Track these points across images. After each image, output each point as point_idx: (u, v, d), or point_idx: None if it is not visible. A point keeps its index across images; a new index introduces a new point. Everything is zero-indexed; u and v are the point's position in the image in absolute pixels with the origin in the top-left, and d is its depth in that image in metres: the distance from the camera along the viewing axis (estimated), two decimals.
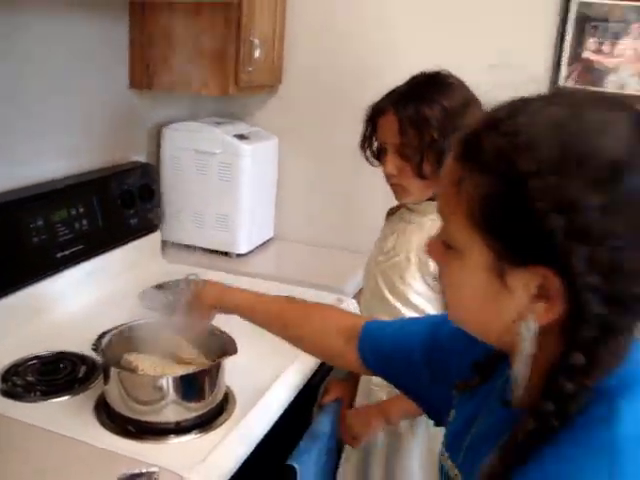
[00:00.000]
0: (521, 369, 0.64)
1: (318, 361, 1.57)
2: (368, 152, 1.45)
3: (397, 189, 1.43)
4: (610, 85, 2.02)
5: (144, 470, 1.14)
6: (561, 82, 2.06)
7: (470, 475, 0.74)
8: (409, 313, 1.40)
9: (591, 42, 2.01)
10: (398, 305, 1.42)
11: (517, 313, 0.63)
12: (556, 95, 0.67)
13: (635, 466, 0.58)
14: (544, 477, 0.61)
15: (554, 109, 0.63)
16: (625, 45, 1.98)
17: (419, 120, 1.32)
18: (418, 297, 1.39)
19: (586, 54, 2.02)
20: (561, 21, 2.02)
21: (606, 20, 1.98)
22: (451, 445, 0.82)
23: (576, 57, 2.03)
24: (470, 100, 1.36)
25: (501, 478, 0.62)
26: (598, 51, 2.02)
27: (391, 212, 1.56)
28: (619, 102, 0.65)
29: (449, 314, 0.75)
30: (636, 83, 2.00)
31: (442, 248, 0.70)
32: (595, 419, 0.61)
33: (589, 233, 0.58)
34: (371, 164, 1.47)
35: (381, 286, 1.46)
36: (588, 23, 2.00)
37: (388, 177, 1.42)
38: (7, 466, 1.15)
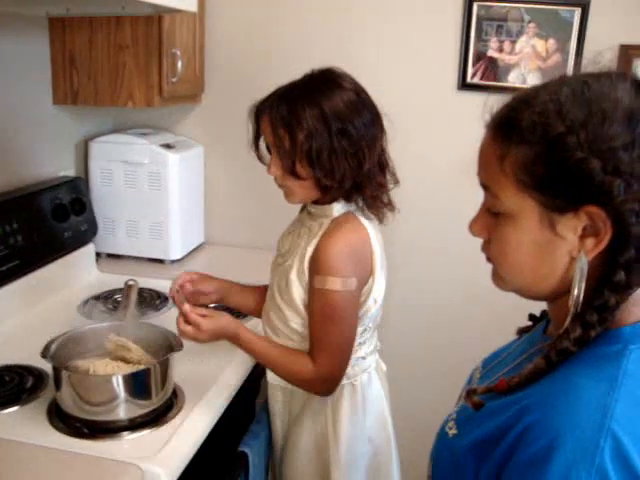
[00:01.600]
0: (576, 299, 0.76)
1: None
2: (259, 152, 1.43)
3: (284, 190, 1.41)
4: (513, 80, 2.18)
5: None
6: (468, 79, 2.21)
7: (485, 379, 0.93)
8: (292, 316, 1.43)
9: (493, 41, 2.17)
10: (283, 306, 1.44)
11: (570, 256, 0.77)
12: (565, 77, 0.81)
13: (628, 396, 0.70)
14: (564, 384, 0.75)
15: (568, 84, 0.77)
16: (523, 43, 2.15)
17: (291, 121, 1.29)
18: (301, 302, 1.41)
19: (489, 52, 2.18)
20: (465, 23, 2.17)
21: (505, 20, 2.15)
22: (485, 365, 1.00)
23: (480, 56, 2.19)
24: (358, 104, 1.33)
25: (542, 374, 0.78)
26: (500, 49, 2.18)
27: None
28: (614, 72, 0.79)
29: (502, 281, 0.86)
30: (535, 78, 2.17)
31: (490, 220, 0.83)
32: (609, 354, 0.75)
33: (620, 167, 0.72)
34: (264, 164, 1.43)
35: (274, 286, 1.49)
36: (489, 24, 2.15)
37: (274, 178, 1.40)
38: None
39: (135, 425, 1.34)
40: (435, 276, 2.38)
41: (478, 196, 0.87)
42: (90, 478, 1.16)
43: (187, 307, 1.37)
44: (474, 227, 0.87)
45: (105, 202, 2.21)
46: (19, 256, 1.78)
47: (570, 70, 2.18)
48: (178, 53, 2.06)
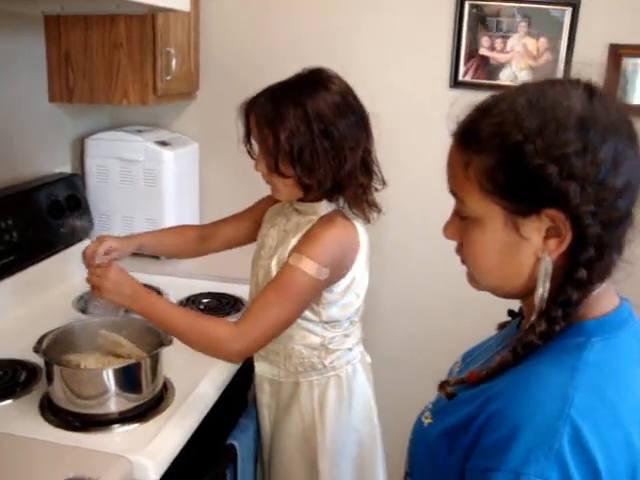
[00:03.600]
0: (541, 297, 0.80)
1: None
2: (251, 148, 1.45)
3: (271, 187, 1.45)
4: (504, 78, 2.20)
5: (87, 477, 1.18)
6: (460, 77, 2.23)
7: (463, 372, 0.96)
8: None
9: (485, 40, 2.19)
10: None
11: (535, 256, 0.80)
12: (523, 86, 0.84)
13: (587, 385, 0.74)
14: (527, 375, 0.79)
15: (524, 94, 0.80)
16: (514, 42, 2.17)
17: (275, 120, 1.32)
18: None
19: (481, 51, 2.20)
20: (457, 22, 2.19)
21: (497, 19, 2.17)
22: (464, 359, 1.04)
23: (472, 54, 2.21)
24: (342, 106, 1.35)
25: (509, 367, 0.81)
26: (492, 48, 2.20)
27: (271, 201, 1.60)
28: (569, 79, 0.83)
29: (476, 282, 0.89)
30: (526, 76, 2.19)
31: (461, 225, 0.86)
32: (572, 346, 0.79)
33: (575, 172, 0.75)
34: (254, 160, 1.46)
35: (258, 278, 1.52)
36: (481, 23, 2.17)
37: (262, 175, 1.43)
38: None
39: (125, 418, 1.38)
40: (427, 274, 2.41)
41: None
42: (80, 469, 1.19)
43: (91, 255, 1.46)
44: (447, 231, 0.90)
45: (101, 198, 2.24)
46: (15, 252, 1.81)
47: (561, 69, 2.20)
48: (172, 51, 2.08)
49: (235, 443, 1.52)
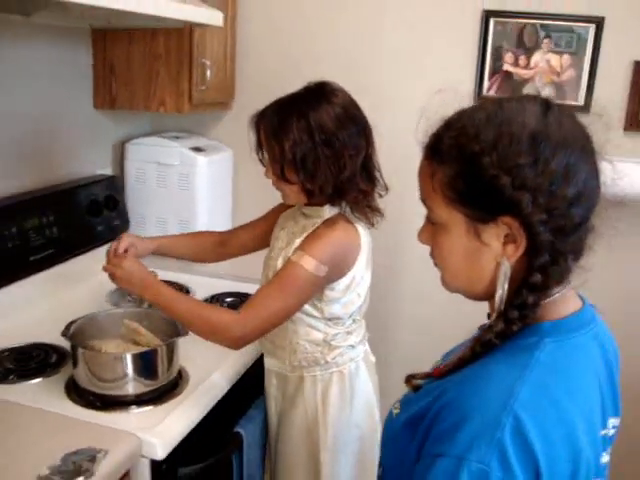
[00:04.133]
0: (500, 299, 0.87)
1: None
2: (261, 156, 1.54)
3: (280, 192, 1.56)
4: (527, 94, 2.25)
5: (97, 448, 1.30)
6: (484, 92, 2.29)
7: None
8: None
9: (509, 56, 2.25)
10: None
11: (495, 261, 0.86)
12: (484, 101, 0.93)
13: (535, 382, 0.80)
14: (479, 370, 0.85)
15: (484, 109, 0.88)
16: (538, 58, 2.23)
17: (280, 131, 1.43)
18: None
19: (505, 66, 2.26)
20: (482, 38, 2.26)
21: (521, 36, 2.23)
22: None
23: (496, 70, 2.27)
24: (343, 117, 1.44)
25: (467, 363, 0.88)
26: (515, 64, 2.26)
27: (284, 207, 1.70)
28: (527, 95, 0.90)
29: (446, 285, 0.97)
30: (549, 91, 2.24)
31: (431, 230, 0.93)
32: (526, 346, 0.84)
33: (527, 183, 0.81)
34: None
35: (263, 280, 1.62)
36: (506, 39, 2.24)
37: (272, 182, 1.54)
38: None
39: (141, 401, 1.50)
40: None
41: None
42: (94, 443, 1.31)
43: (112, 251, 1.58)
44: (420, 236, 0.98)
45: (138, 200, 2.38)
46: (54, 246, 1.96)
47: (584, 85, 2.23)
48: (207, 63, 2.21)
49: (242, 431, 1.63)
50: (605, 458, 0.89)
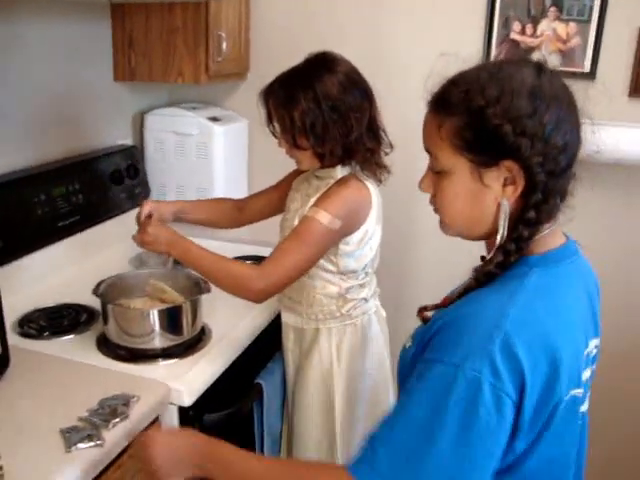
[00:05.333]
0: (501, 235, 0.98)
1: None
2: (272, 128, 1.63)
3: (295, 160, 1.65)
4: None
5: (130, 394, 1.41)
6: (492, 59, 2.35)
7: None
8: None
9: (516, 24, 2.31)
10: None
11: (496, 202, 0.96)
12: (486, 63, 1.03)
13: (523, 303, 0.91)
14: (475, 296, 0.97)
15: (486, 69, 0.98)
16: (544, 26, 2.28)
17: (288, 103, 1.53)
18: None
19: (512, 35, 2.32)
20: (489, 6, 2.31)
21: (527, 5, 2.28)
22: None
23: (504, 38, 2.33)
24: (346, 83, 1.53)
25: (471, 290, 0.99)
26: (522, 32, 2.31)
27: (297, 173, 1.80)
28: (521, 59, 1.04)
29: (448, 229, 1.07)
30: (556, 59, 2.29)
31: (434, 178, 1.02)
32: (517, 275, 0.96)
33: (526, 131, 0.92)
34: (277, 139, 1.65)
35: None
36: (512, 8, 2.29)
37: (285, 150, 1.63)
38: (30, 383, 1.46)
39: (167, 354, 1.61)
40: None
41: None
42: (125, 390, 1.42)
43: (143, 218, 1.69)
44: (422, 184, 1.07)
45: (157, 168, 2.47)
46: (80, 213, 2.07)
47: (590, 52, 2.28)
48: (223, 35, 2.28)
49: (262, 382, 1.73)
50: (587, 373, 1.00)
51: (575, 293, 1.00)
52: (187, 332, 1.63)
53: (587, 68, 2.27)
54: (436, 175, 1.03)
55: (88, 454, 1.23)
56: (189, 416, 1.50)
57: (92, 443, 1.25)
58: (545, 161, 0.93)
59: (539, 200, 0.95)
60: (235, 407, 1.65)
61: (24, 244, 1.87)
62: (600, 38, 2.24)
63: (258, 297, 1.55)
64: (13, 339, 1.62)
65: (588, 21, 2.24)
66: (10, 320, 1.71)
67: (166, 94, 2.65)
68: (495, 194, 0.97)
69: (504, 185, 0.96)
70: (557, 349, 0.90)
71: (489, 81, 0.95)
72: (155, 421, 1.45)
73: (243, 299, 1.55)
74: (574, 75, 2.29)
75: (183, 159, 2.44)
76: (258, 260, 2.20)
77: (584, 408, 1.02)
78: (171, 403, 1.48)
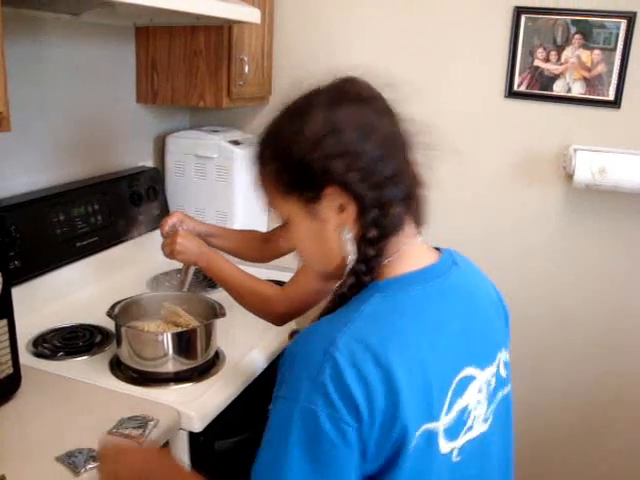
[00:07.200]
0: (350, 259, 0.97)
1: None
2: None
3: None
4: (557, 89, 2.29)
5: (148, 416, 1.41)
6: (515, 87, 2.33)
7: None
8: None
9: (540, 51, 2.29)
10: None
11: (338, 232, 0.96)
12: (287, 106, 1.03)
13: (354, 331, 0.87)
14: (316, 326, 0.93)
15: (286, 112, 1.01)
16: (568, 53, 2.26)
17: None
18: None
19: (536, 62, 2.30)
20: (513, 33, 2.30)
21: (552, 31, 2.26)
22: None
23: (527, 65, 2.31)
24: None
25: (326, 314, 0.96)
26: (546, 59, 2.29)
27: None
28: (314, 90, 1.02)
29: (317, 270, 1.07)
30: (580, 86, 2.27)
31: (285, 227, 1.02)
32: (359, 299, 0.94)
33: (329, 152, 0.91)
34: None
35: None
36: (536, 34, 2.27)
37: None
38: (41, 403, 1.45)
39: (180, 378, 1.58)
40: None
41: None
42: (136, 412, 1.40)
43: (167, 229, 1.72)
44: (285, 241, 1.09)
45: (177, 191, 2.48)
46: (98, 233, 2.07)
47: (615, 80, 2.26)
48: (245, 59, 2.29)
49: None
50: (465, 402, 0.95)
51: (432, 317, 0.95)
52: (201, 356, 1.61)
53: (611, 96, 2.25)
54: (287, 227, 1.04)
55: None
56: (200, 442, 1.48)
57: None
58: (365, 175, 0.92)
59: (376, 215, 0.93)
60: (247, 434, 1.62)
61: (42, 263, 1.87)
62: (625, 66, 2.22)
63: (280, 320, 1.55)
64: (27, 359, 1.62)
65: (614, 49, 2.22)
66: (25, 339, 1.71)
67: (188, 117, 2.67)
68: (334, 224, 0.96)
69: (339, 213, 0.95)
70: (395, 380, 0.85)
71: (286, 122, 0.98)
72: (165, 446, 1.42)
73: (263, 319, 1.54)
74: (599, 103, 2.26)
75: (203, 182, 2.45)
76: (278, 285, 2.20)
77: (455, 445, 0.94)
78: (181, 428, 1.46)
